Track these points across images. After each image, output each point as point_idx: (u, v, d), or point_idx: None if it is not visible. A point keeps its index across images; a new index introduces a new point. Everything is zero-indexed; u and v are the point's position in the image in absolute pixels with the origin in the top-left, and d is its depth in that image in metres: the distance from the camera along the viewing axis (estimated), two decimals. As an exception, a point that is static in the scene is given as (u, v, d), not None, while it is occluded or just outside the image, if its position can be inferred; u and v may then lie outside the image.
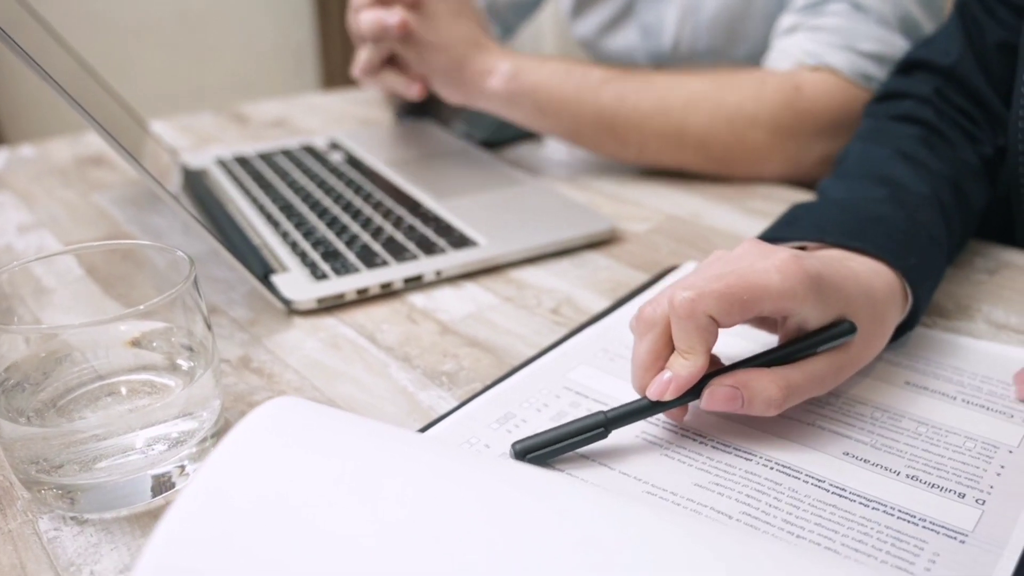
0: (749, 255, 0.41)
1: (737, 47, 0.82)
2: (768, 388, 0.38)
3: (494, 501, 0.27)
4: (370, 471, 0.28)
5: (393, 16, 0.69)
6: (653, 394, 0.38)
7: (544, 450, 0.38)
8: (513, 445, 0.38)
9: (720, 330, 0.39)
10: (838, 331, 0.40)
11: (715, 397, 0.39)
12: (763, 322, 0.44)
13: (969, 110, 0.59)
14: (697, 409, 0.42)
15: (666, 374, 0.38)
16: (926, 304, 0.47)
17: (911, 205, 0.50)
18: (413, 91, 0.74)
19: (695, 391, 0.39)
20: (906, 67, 0.64)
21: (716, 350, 0.40)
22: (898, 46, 0.70)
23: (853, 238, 0.45)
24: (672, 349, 0.39)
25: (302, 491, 0.26)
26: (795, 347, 0.40)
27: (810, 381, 0.40)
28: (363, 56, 0.75)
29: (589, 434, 0.38)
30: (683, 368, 0.38)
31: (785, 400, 0.39)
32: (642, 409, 0.39)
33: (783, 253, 0.40)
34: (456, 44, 0.71)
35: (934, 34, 0.64)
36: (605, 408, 0.39)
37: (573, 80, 0.71)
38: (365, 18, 0.70)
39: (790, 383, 0.39)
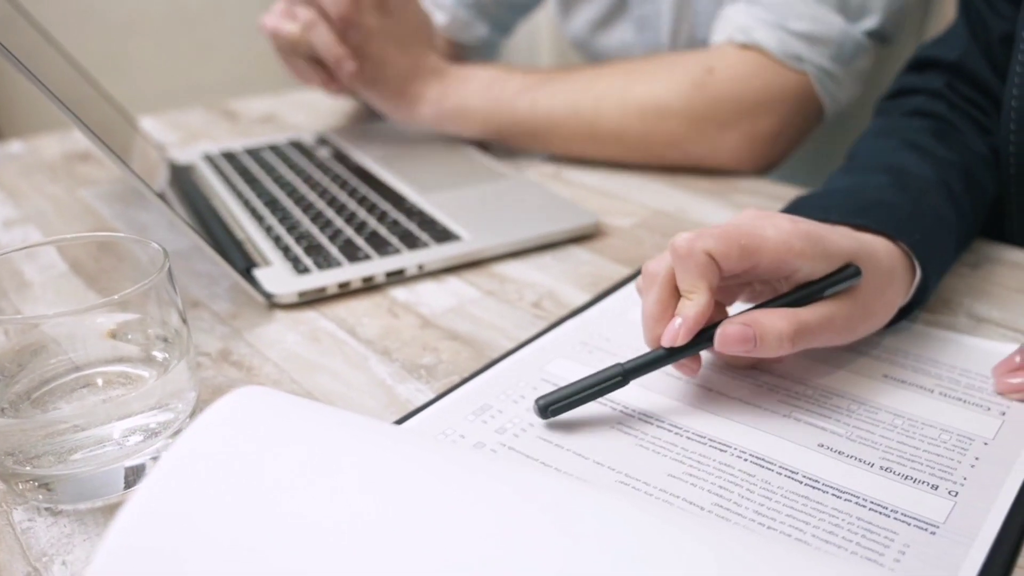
0: (746, 217, 0.42)
1: None
2: (778, 324, 0.39)
3: (461, 489, 0.27)
4: (334, 459, 0.27)
5: (348, 64, 0.72)
6: (667, 340, 0.40)
7: (565, 401, 0.40)
8: (536, 401, 0.40)
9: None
10: (844, 275, 0.41)
11: (727, 337, 0.39)
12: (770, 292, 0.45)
13: (979, 101, 0.60)
14: (671, 398, 0.42)
15: (676, 320, 0.39)
16: (936, 281, 0.48)
17: (916, 189, 0.50)
18: (333, 87, 0.78)
19: (708, 338, 0.40)
20: (917, 65, 0.64)
21: None
22: (834, 26, 0.68)
23: (856, 216, 0.46)
24: (678, 299, 0.40)
25: (265, 477, 0.26)
26: (803, 291, 0.41)
27: (820, 323, 0.40)
28: (289, 31, 0.76)
29: (608, 383, 0.40)
30: (690, 308, 0.39)
31: (796, 336, 0.39)
32: (659, 358, 0.40)
33: (779, 215, 0.41)
34: (393, 79, 0.74)
35: (943, 33, 0.64)
36: (622, 361, 0.40)
37: (492, 95, 0.74)
38: (319, 38, 0.72)
39: (800, 321, 0.40)
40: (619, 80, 0.72)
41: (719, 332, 0.39)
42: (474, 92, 0.74)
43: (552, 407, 0.40)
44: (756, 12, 0.69)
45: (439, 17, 0.92)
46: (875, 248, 0.44)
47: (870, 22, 0.70)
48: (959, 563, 0.32)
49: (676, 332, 0.39)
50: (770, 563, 0.26)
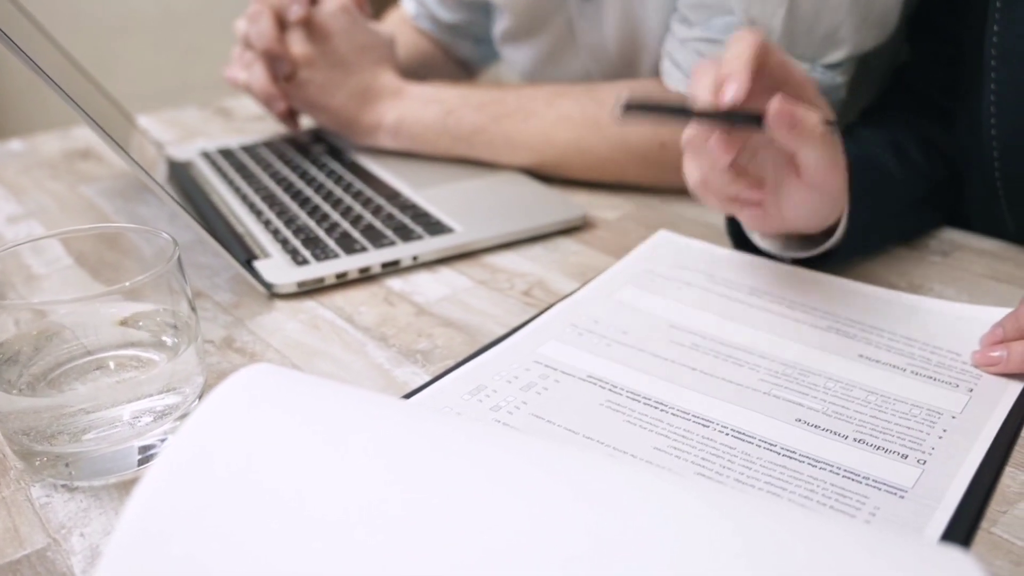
0: None
1: None
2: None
3: (474, 463, 0.27)
4: (344, 434, 0.28)
5: (277, 104, 0.77)
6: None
7: (645, 105, 0.45)
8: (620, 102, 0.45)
9: None
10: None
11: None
12: None
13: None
14: (656, 377, 0.44)
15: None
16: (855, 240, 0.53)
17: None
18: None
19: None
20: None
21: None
22: None
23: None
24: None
25: (276, 454, 0.27)
26: None
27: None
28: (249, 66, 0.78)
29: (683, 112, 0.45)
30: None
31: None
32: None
33: None
34: (346, 103, 0.75)
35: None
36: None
37: (448, 132, 0.73)
38: (252, 77, 0.76)
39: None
40: (570, 135, 0.70)
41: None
42: (431, 125, 0.73)
43: (633, 105, 0.44)
44: None
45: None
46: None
47: (838, 54, 0.62)
48: (925, 523, 0.35)
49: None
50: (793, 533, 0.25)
